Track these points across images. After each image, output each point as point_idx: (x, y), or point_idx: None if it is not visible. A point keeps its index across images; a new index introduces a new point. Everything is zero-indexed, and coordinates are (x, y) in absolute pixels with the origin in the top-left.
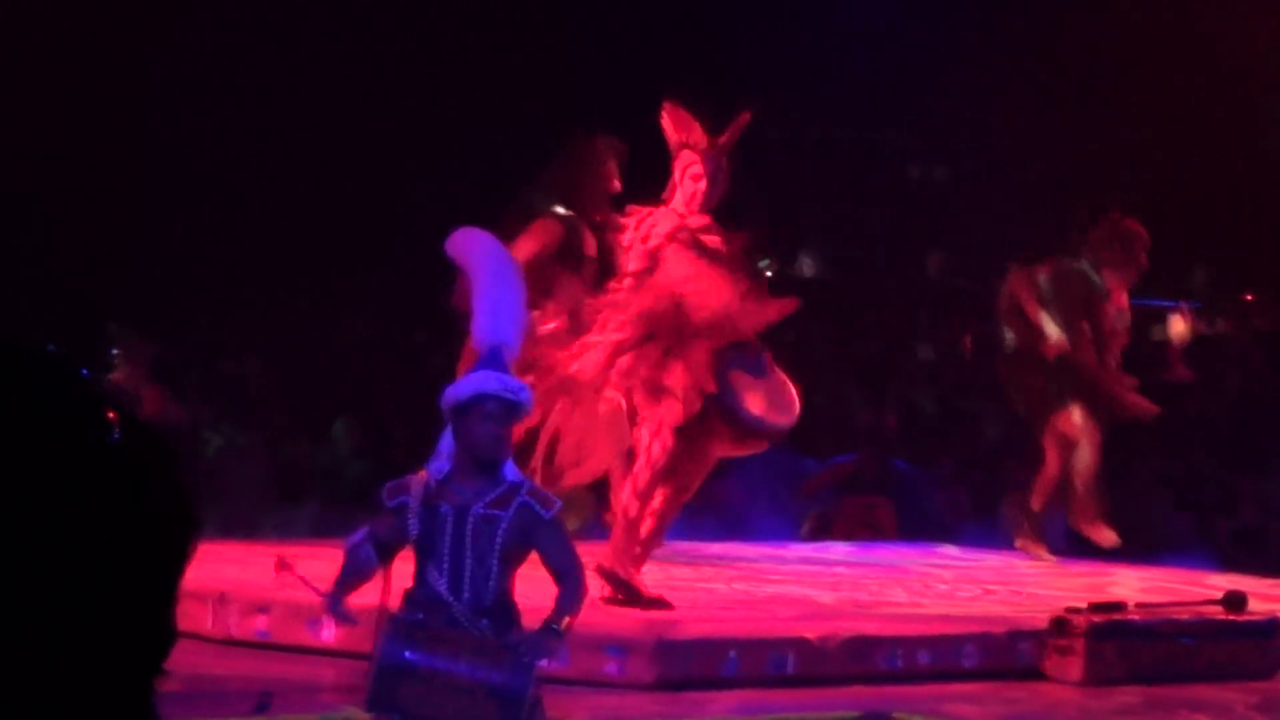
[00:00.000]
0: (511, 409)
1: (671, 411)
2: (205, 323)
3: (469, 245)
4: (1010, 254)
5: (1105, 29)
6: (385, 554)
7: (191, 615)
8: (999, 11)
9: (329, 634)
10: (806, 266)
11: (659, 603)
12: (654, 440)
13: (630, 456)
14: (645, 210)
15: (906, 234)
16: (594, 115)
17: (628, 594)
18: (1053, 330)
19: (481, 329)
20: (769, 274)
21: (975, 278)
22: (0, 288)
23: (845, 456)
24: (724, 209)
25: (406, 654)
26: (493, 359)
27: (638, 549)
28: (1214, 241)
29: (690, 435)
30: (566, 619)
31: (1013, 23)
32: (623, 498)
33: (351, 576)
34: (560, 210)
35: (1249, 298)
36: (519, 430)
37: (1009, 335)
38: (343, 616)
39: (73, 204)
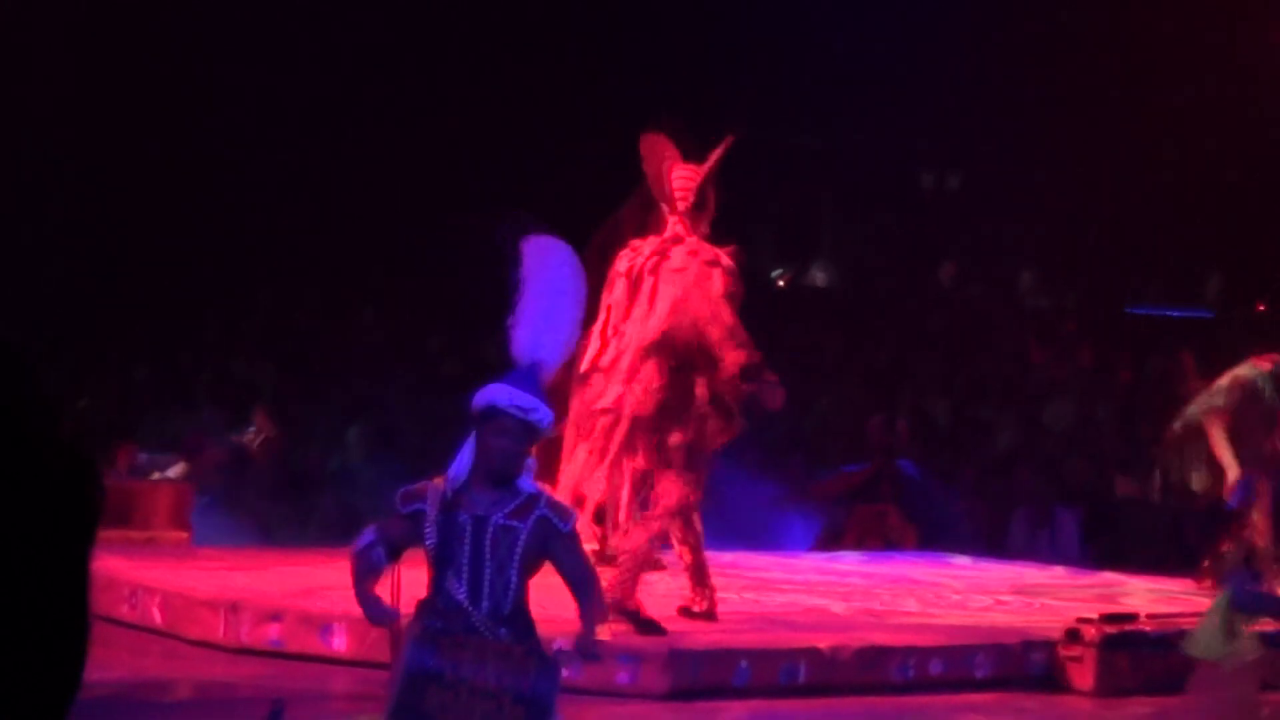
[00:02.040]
0: (527, 427)
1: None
2: (217, 327)
3: (536, 253)
4: (1022, 263)
5: (1118, 38)
6: (393, 556)
7: (204, 623)
8: (1011, 20)
9: (340, 642)
10: (819, 275)
11: (656, 626)
12: (673, 485)
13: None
14: (645, 241)
15: (919, 242)
16: (606, 123)
17: (632, 622)
18: (1233, 472)
19: (521, 343)
20: (781, 283)
21: (988, 285)
22: (13, 291)
23: (856, 465)
24: (738, 218)
25: (432, 661)
26: (525, 375)
27: (640, 579)
28: (1226, 251)
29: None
30: (597, 627)
31: (1024, 31)
32: (634, 536)
33: (367, 578)
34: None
35: (1261, 307)
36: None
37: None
38: (385, 617)
39: (86, 209)
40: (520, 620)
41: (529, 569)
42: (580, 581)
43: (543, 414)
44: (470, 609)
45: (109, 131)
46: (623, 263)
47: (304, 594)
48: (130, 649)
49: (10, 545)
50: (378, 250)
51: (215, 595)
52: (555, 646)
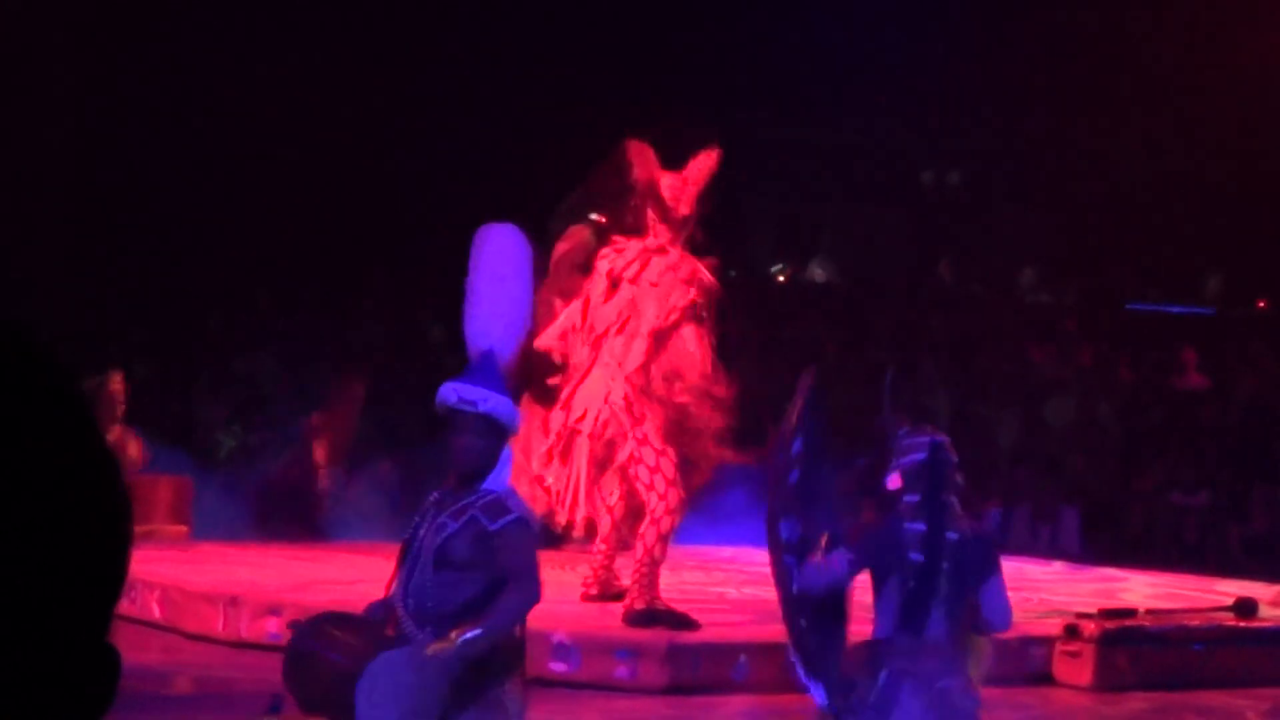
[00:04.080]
0: (485, 420)
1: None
2: (218, 323)
3: (483, 242)
4: (1023, 260)
5: (1121, 36)
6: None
7: (203, 617)
8: (1013, 18)
9: None
10: (819, 272)
11: (688, 620)
12: (670, 489)
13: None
14: (625, 241)
15: (919, 239)
16: (607, 117)
17: (664, 622)
18: None
19: (472, 334)
20: (781, 279)
21: (988, 282)
22: (13, 288)
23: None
24: (738, 214)
25: (307, 645)
26: (482, 366)
27: (658, 576)
28: (1227, 249)
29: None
30: (472, 633)
31: (1027, 29)
32: (645, 541)
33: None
34: (594, 218)
35: (1261, 304)
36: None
37: None
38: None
39: (87, 205)
40: (449, 622)
41: (449, 567)
42: (504, 580)
43: (495, 403)
44: (398, 606)
45: (110, 128)
46: (604, 262)
47: (303, 588)
48: (130, 643)
49: (24, 574)
50: (379, 246)
51: (214, 589)
52: None
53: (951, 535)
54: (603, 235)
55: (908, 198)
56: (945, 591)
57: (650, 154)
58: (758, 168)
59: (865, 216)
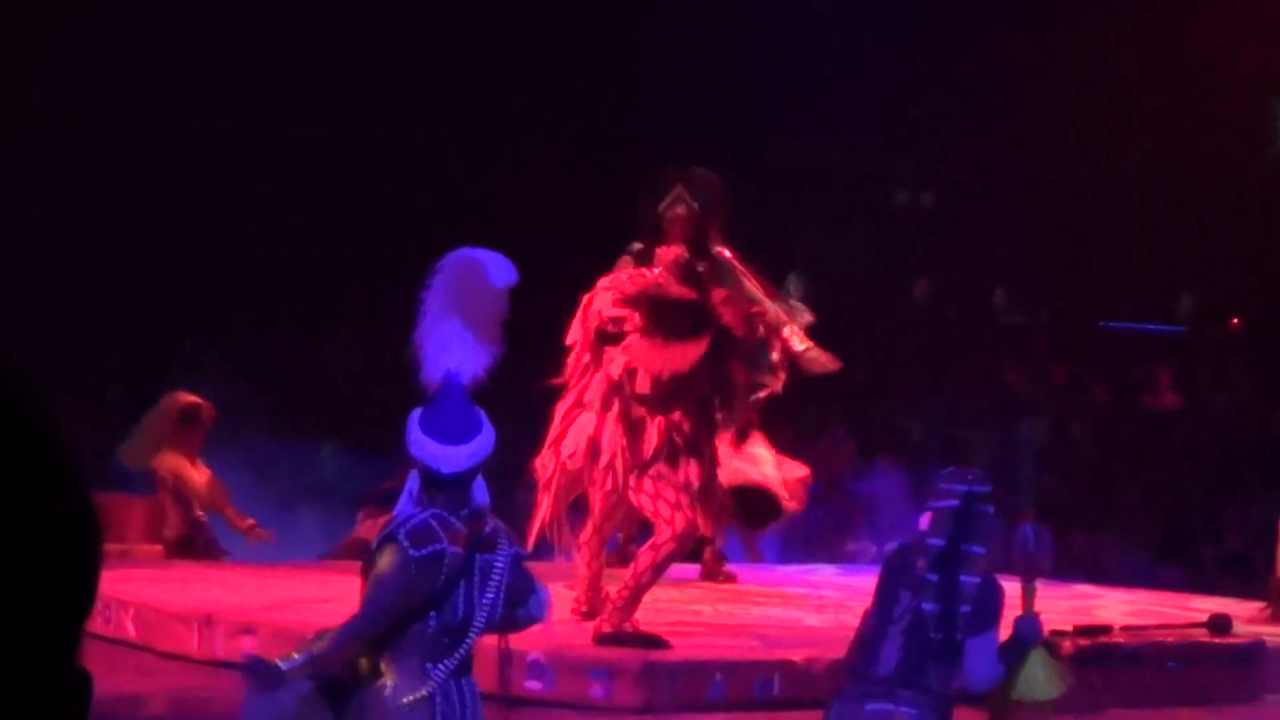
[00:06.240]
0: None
1: (690, 482)
2: (190, 345)
3: (457, 267)
4: (996, 280)
5: (1094, 58)
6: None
7: (177, 636)
8: (987, 39)
9: None
10: (793, 292)
11: (658, 641)
12: (676, 513)
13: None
14: (626, 273)
15: (893, 260)
16: (581, 145)
17: (631, 643)
18: None
19: (432, 360)
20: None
21: (962, 303)
22: None
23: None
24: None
25: None
26: (449, 395)
27: (637, 605)
28: (1199, 267)
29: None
30: (304, 657)
31: (1000, 50)
32: (639, 564)
33: None
34: (637, 246)
35: (1234, 324)
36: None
37: None
38: None
39: (59, 224)
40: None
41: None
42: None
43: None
44: None
45: (82, 145)
46: (599, 300)
47: (278, 607)
48: (104, 663)
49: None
50: (353, 267)
51: (189, 609)
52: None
53: (972, 579)
54: (643, 258)
55: (881, 218)
56: (954, 639)
57: (661, 186)
58: (730, 189)
59: (838, 237)
